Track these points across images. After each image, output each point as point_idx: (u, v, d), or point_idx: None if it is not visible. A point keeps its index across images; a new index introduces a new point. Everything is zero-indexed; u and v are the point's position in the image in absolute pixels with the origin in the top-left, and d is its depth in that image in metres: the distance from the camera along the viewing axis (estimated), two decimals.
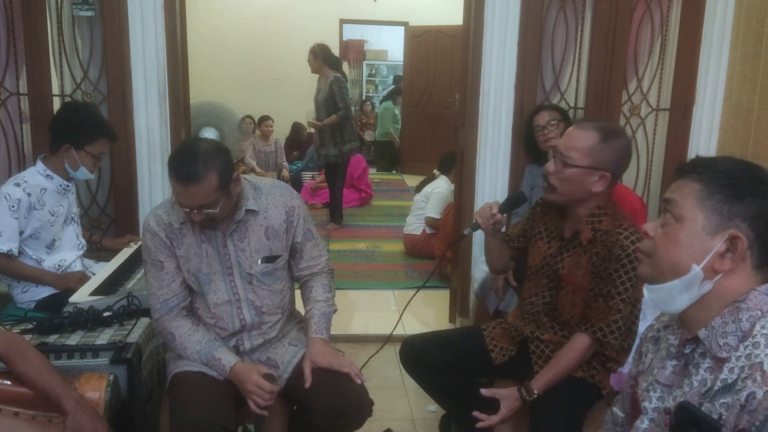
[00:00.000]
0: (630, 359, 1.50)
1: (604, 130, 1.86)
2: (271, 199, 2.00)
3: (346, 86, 5.60)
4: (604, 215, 1.90)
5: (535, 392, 1.89)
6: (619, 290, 1.83)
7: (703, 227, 1.12)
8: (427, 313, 3.91)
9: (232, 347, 2.00)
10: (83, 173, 2.56)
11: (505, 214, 2.09)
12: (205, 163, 1.76)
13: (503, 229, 2.19)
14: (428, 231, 5.13)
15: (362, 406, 1.93)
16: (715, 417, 1.04)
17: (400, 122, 9.72)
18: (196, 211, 1.80)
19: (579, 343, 1.90)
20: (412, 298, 2.34)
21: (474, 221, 2.10)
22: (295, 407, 2.11)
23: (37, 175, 2.50)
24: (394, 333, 3.50)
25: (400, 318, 2.38)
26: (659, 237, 1.19)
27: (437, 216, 5.07)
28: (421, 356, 2.18)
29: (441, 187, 5.19)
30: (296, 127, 8.68)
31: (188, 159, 1.76)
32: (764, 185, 1.10)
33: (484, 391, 1.94)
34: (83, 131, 2.52)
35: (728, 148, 3.21)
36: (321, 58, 5.53)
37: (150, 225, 1.93)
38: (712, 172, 1.13)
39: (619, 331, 1.85)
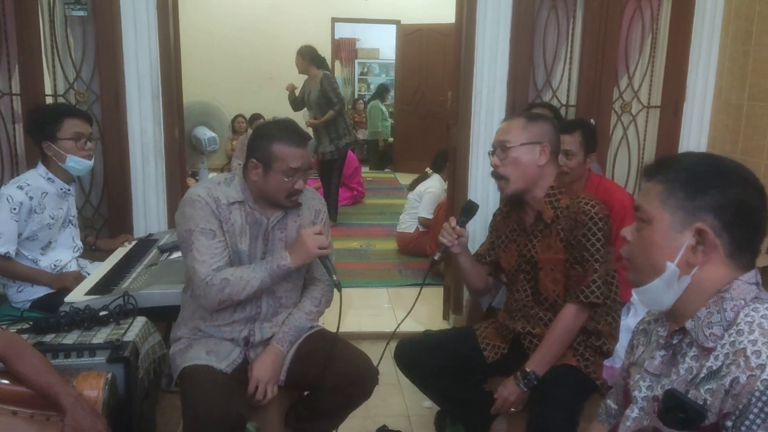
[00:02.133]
0: (622, 353, 1.53)
1: (527, 114, 2.06)
2: (306, 199, 2.09)
3: (336, 82, 5.71)
4: (560, 194, 2.00)
5: (527, 369, 1.94)
6: (591, 252, 1.92)
7: (670, 225, 1.15)
8: (421, 310, 3.92)
9: (242, 338, 2.03)
10: (75, 161, 2.52)
11: (466, 227, 2.12)
12: (304, 131, 2.02)
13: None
14: (421, 229, 5.14)
15: (368, 373, 2.01)
16: (701, 403, 1.07)
17: (389, 119, 9.74)
18: (302, 176, 1.96)
19: (566, 313, 1.97)
20: (416, 301, 2.26)
21: (440, 244, 2.11)
22: (294, 399, 2.15)
23: (39, 178, 2.50)
24: (387, 330, 3.54)
25: (403, 319, 2.33)
26: (634, 241, 1.23)
27: (429, 216, 5.08)
28: (416, 358, 2.21)
29: (434, 186, 5.20)
30: None
31: (295, 126, 2.00)
32: (723, 176, 1.14)
33: (496, 396, 2.02)
34: (47, 121, 2.52)
35: (718, 145, 3.24)
36: (308, 58, 5.65)
37: (201, 195, 1.94)
38: (673, 170, 1.17)
39: (599, 290, 1.92)
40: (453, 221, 2.10)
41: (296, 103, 5.98)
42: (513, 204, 2.13)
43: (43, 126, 2.52)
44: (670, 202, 1.15)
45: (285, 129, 1.96)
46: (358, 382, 2.00)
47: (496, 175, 2.03)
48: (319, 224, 2.07)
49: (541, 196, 2.02)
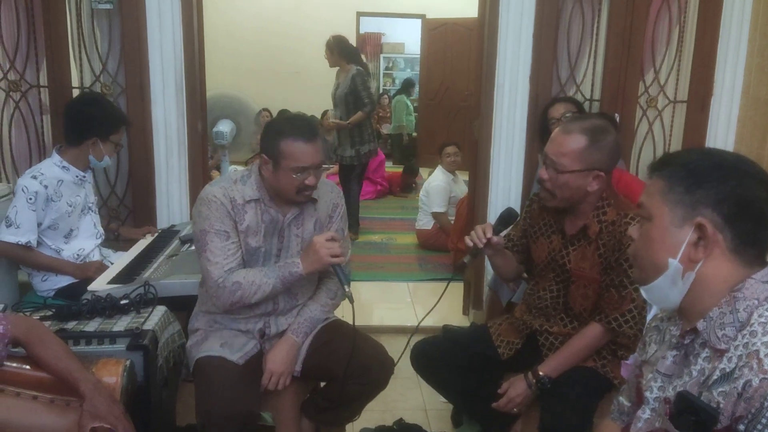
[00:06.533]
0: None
1: (592, 131, 1.85)
2: (322, 193, 2.08)
3: (370, 80, 5.20)
4: (607, 206, 1.92)
5: (541, 373, 1.92)
6: (631, 280, 1.85)
7: (670, 221, 1.13)
8: (441, 305, 3.84)
9: (257, 330, 2.05)
10: (106, 161, 2.64)
11: (502, 235, 2.03)
12: (316, 126, 2.02)
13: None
14: (439, 225, 5.13)
15: (384, 362, 2.03)
16: (714, 406, 1.04)
17: (413, 114, 9.74)
18: (313, 172, 1.92)
19: (591, 332, 1.93)
20: (439, 299, 2.22)
21: (472, 247, 2.00)
22: (310, 389, 2.17)
23: (53, 167, 2.54)
24: (408, 325, 3.55)
25: (424, 317, 2.30)
26: (638, 239, 1.21)
27: (441, 209, 5.05)
28: (432, 360, 2.20)
29: (437, 179, 5.16)
30: None
31: (305, 121, 1.97)
32: (721, 169, 1.11)
33: (500, 392, 1.99)
34: (108, 123, 2.59)
35: (746, 141, 3.18)
36: (336, 52, 5.14)
37: (216, 195, 1.95)
38: (673, 166, 1.15)
39: (633, 320, 1.88)
40: (489, 230, 1.97)
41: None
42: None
43: (103, 124, 2.57)
44: (670, 198, 1.13)
45: (293, 124, 1.93)
46: (375, 373, 2.01)
47: (542, 186, 1.94)
48: (332, 231, 2.05)
49: (589, 210, 1.93)
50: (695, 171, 1.12)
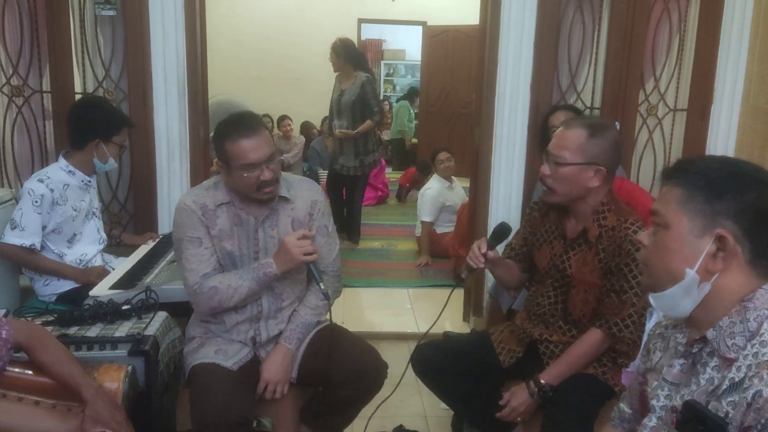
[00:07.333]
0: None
1: (591, 125, 1.91)
2: (299, 191, 2.08)
3: (378, 87, 5.20)
4: (608, 211, 1.93)
5: (542, 381, 1.92)
6: (631, 284, 1.86)
7: (689, 231, 1.12)
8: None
9: (249, 338, 2.05)
10: (111, 164, 2.65)
11: (497, 249, 2.05)
12: (256, 119, 2.00)
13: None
14: (438, 231, 5.09)
15: (378, 367, 2.03)
16: (722, 415, 1.04)
17: (414, 121, 9.77)
18: (266, 167, 1.89)
19: (592, 338, 1.93)
20: (446, 302, 2.21)
21: (470, 264, 2.03)
22: (309, 395, 2.17)
23: (59, 171, 2.55)
24: (408, 331, 3.55)
25: (429, 329, 2.28)
26: (651, 246, 1.20)
27: (428, 219, 4.99)
28: (432, 364, 2.19)
29: (432, 187, 5.11)
30: (306, 126, 8.71)
31: (243, 118, 1.96)
32: (741, 180, 1.10)
33: (502, 403, 1.99)
34: (110, 124, 2.61)
35: (746, 149, 3.18)
36: (344, 56, 4.94)
37: (187, 204, 1.98)
38: (691, 174, 1.14)
39: (633, 325, 1.88)
40: (484, 245, 2.01)
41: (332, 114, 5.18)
42: (556, 207, 2.05)
43: (104, 126, 2.59)
44: (689, 207, 1.12)
45: (233, 124, 1.93)
46: (366, 377, 2.01)
47: (543, 182, 1.96)
48: (313, 229, 2.04)
49: (589, 212, 1.94)
50: (715, 181, 1.11)
